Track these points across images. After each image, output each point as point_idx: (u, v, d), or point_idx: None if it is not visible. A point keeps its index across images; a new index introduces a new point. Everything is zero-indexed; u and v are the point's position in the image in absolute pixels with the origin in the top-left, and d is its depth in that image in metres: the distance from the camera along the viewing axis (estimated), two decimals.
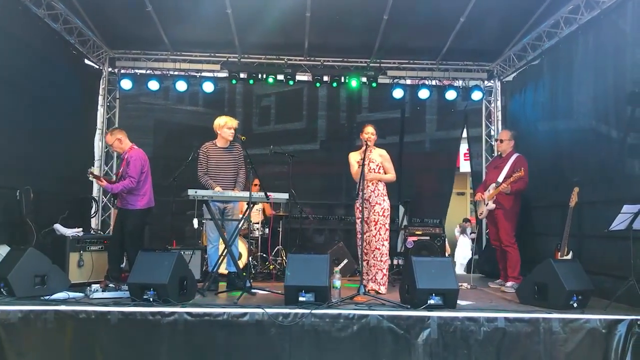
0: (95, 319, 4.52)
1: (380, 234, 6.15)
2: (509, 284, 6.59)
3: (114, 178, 6.72)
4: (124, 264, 6.77)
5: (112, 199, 6.70)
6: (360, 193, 5.87)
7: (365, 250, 6.17)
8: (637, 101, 5.49)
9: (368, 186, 6.19)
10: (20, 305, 4.60)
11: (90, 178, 6.62)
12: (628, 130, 5.66)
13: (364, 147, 6.21)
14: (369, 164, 6.24)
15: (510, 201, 6.76)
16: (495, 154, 9.44)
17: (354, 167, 6.35)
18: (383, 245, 6.17)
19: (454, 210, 13.85)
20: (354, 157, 6.42)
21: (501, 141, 7.06)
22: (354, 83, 9.29)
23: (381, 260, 6.14)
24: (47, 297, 5.06)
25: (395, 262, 8.37)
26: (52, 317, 4.51)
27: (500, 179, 6.78)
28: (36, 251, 5.37)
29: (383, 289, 6.06)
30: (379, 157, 6.36)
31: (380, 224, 6.16)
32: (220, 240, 6.27)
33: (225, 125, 6.42)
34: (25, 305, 4.61)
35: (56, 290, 5.25)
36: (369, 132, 6.35)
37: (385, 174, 6.37)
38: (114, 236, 6.65)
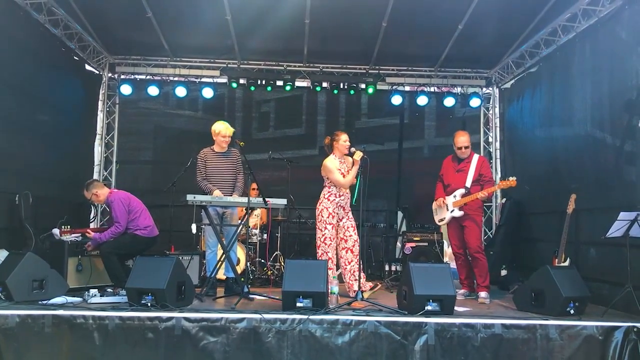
0: (93, 324, 4.52)
1: (359, 238, 6.18)
2: (483, 294, 6.30)
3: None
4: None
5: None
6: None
7: (342, 255, 6.25)
8: (633, 108, 5.51)
9: (347, 193, 6.26)
10: (18, 309, 4.60)
11: (67, 238, 6.23)
12: (625, 137, 5.69)
13: (354, 156, 6.13)
14: (347, 172, 6.25)
15: (479, 208, 6.56)
16: (495, 160, 9.52)
17: (340, 175, 6.21)
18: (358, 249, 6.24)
19: None
20: (335, 165, 6.25)
21: (466, 147, 6.61)
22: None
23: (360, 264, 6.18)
24: (45, 301, 5.06)
25: (393, 268, 8.38)
26: (49, 321, 4.51)
27: (468, 183, 6.47)
28: (35, 256, 5.38)
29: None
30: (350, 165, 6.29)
31: (356, 228, 6.19)
32: (219, 245, 6.28)
33: (220, 134, 6.43)
34: (23, 309, 4.60)
35: (54, 294, 5.26)
36: (347, 139, 6.27)
37: (344, 177, 6.26)
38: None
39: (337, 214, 6.25)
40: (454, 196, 6.55)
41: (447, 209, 6.63)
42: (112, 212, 6.11)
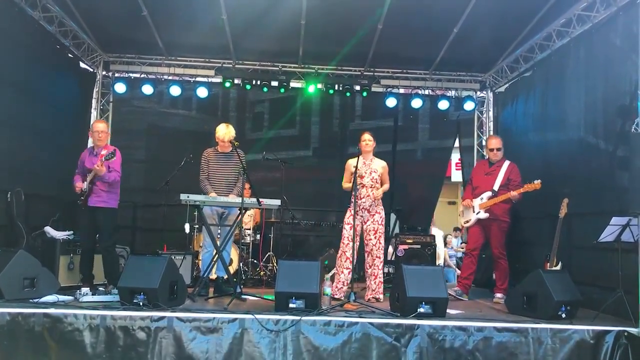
0: (84, 323, 4.50)
1: (380, 243, 6.22)
2: (499, 295, 6.53)
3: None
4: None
5: (79, 197, 6.27)
6: (352, 200, 5.91)
7: (366, 257, 6.24)
8: (627, 113, 5.55)
9: (369, 195, 6.22)
10: (9, 307, 4.58)
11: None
12: (617, 142, 5.72)
13: (358, 155, 6.21)
14: (370, 173, 6.26)
15: (505, 212, 6.64)
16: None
17: (347, 177, 6.33)
18: (382, 253, 6.28)
19: (445, 220, 13.90)
20: (349, 164, 6.36)
21: (498, 149, 6.83)
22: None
23: (381, 269, 6.22)
24: (36, 299, 5.03)
25: (385, 270, 8.39)
26: (40, 320, 4.50)
27: (496, 187, 6.60)
28: (26, 253, 5.36)
29: (382, 297, 6.14)
30: (381, 168, 6.34)
31: (379, 232, 6.22)
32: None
33: (218, 137, 6.46)
34: (14, 307, 4.58)
35: (45, 293, 5.23)
36: (365, 138, 6.38)
37: (382, 184, 6.36)
38: (85, 239, 6.34)
39: (362, 216, 6.26)
40: (481, 198, 6.68)
41: (474, 210, 6.74)
42: (113, 163, 6.12)
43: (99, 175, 6.01)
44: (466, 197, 6.96)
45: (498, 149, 6.83)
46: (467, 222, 6.86)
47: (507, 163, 6.79)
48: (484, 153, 9.63)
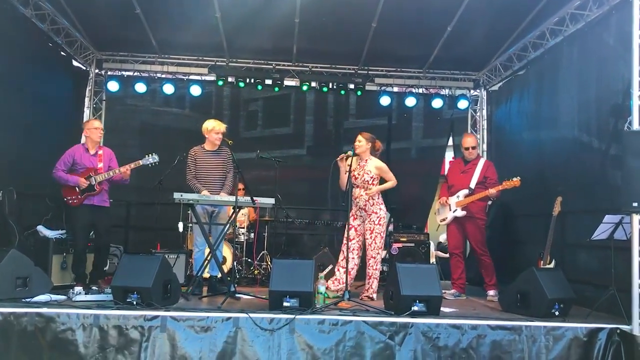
0: (77, 322, 4.48)
1: (375, 243, 6.17)
2: (491, 292, 6.55)
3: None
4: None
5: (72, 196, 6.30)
6: (347, 200, 5.91)
7: (352, 257, 6.20)
8: (619, 112, 5.56)
9: (361, 195, 6.22)
10: (1, 307, 4.54)
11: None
12: (611, 141, 5.74)
13: (353, 155, 6.21)
14: (363, 175, 6.25)
15: (481, 209, 6.68)
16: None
17: (342, 176, 6.31)
18: (378, 253, 6.22)
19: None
20: (345, 163, 6.32)
21: (473, 148, 6.85)
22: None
23: (376, 269, 6.19)
24: (29, 299, 5.00)
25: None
26: (33, 319, 4.47)
27: (472, 184, 6.61)
28: (18, 253, 5.31)
29: (375, 296, 6.11)
30: (375, 169, 6.27)
31: (375, 232, 6.17)
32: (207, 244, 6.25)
33: (213, 130, 6.40)
34: (6, 307, 4.55)
35: (38, 292, 5.20)
36: (356, 139, 6.36)
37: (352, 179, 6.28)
38: (84, 238, 6.42)
39: (361, 216, 6.30)
40: (457, 196, 6.68)
41: (450, 208, 6.74)
42: (115, 162, 6.59)
43: (124, 178, 6.44)
44: (442, 195, 6.98)
45: (473, 147, 6.86)
46: (443, 220, 6.89)
47: (482, 161, 6.81)
48: (478, 152, 9.69)
